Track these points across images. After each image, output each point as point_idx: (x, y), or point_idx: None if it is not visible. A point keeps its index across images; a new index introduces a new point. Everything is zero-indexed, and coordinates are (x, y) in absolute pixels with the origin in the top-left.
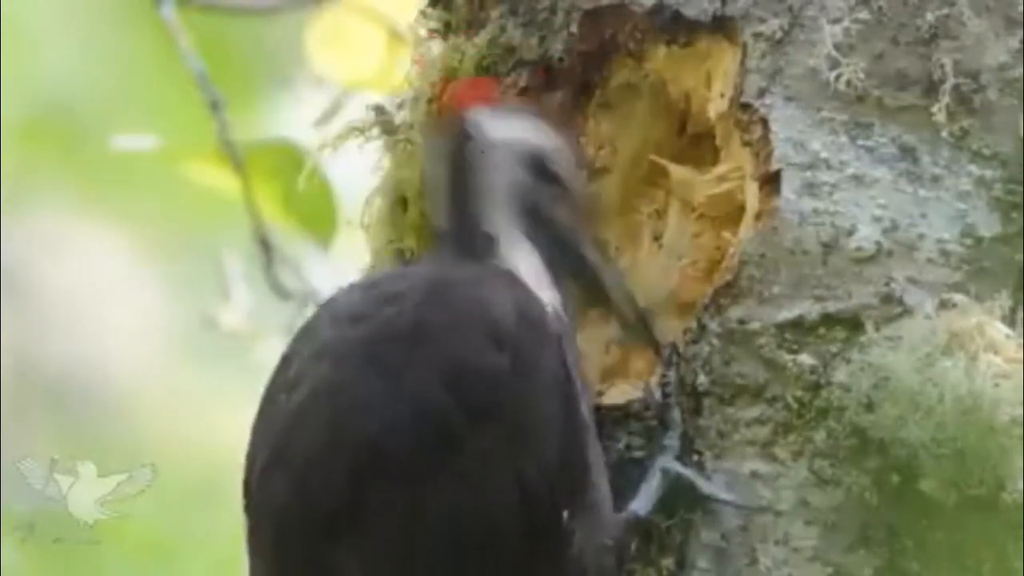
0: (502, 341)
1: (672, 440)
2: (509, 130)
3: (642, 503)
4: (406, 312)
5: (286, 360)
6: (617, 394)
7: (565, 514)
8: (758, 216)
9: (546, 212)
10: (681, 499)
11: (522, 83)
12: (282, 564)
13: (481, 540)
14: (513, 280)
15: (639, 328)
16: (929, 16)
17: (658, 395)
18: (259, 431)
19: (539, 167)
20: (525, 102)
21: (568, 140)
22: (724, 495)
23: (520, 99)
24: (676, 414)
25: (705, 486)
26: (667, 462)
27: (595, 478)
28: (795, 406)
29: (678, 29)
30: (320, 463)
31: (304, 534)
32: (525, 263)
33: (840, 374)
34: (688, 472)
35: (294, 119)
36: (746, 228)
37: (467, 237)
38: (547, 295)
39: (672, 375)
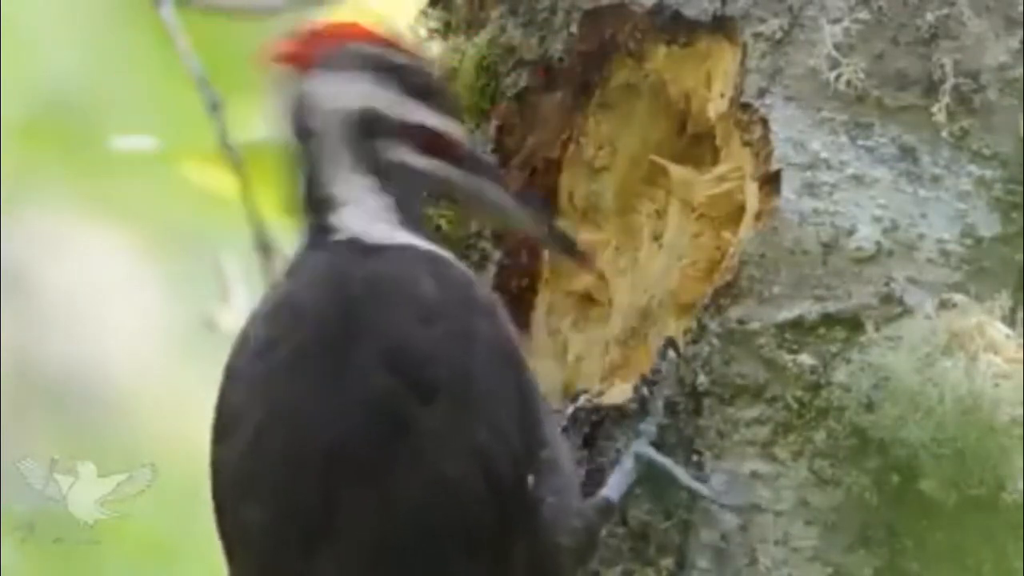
0: (429, 314)
1: (649, 426)
2: (339, 96)
3: (613, 488)
4: (328, 318)
5: (222, 402)
6: (617, 394)
7: (530, 479)
8: (758, 216)
9: (394, 166)
10: (661, 490)
11: (522, 83)
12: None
13: (453, 518)
14: (415, 253)
15: (551, 236)
16: (929, 16)
17: (644, 388)
18: (214, 473)
19: (371, 126)
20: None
21: (410, 49)
22: (702, 489)
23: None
24: (659, 403)
25: (682, 476)
26: (641, 447)
27: (551, 439)
28: (795, 406)
29: (678, 29)
30: (289, 479)
31: (288, 552)
32: (382, 225)
33: (840, 374)
34: (663, 459)
35: None
36: (746, 228)
37: (324, 213)
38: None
39: (664, 367)
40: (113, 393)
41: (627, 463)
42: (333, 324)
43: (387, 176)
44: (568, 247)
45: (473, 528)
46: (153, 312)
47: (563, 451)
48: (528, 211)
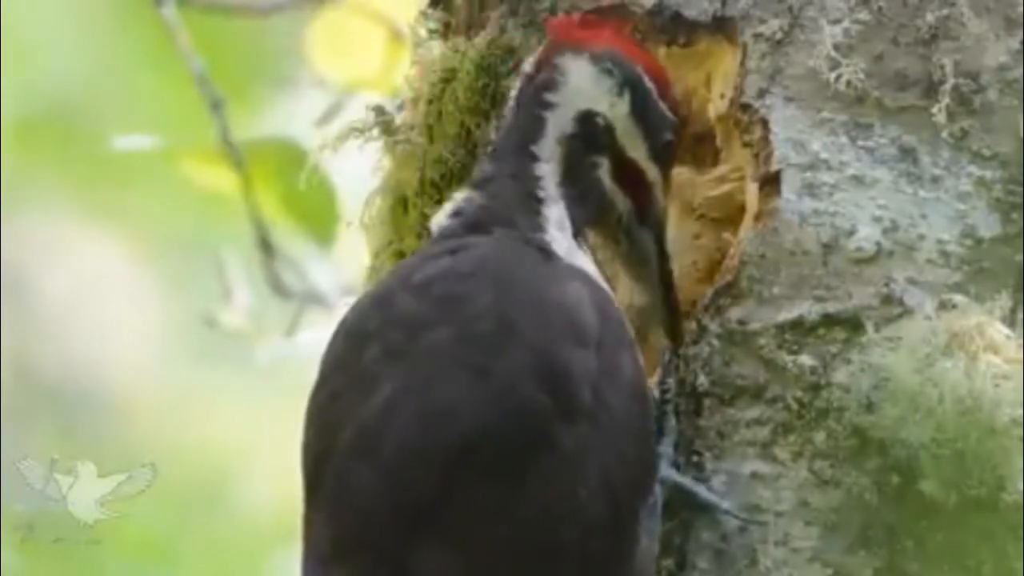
0: (586, 339)
1: (667, 448)
2: (588, 92)
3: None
4: (485, 313)
5: (346, 361)
6: None
7: (641, 513)
8: (758, 217)
9: (593, 184)
10: (679, 505)
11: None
12: (364, 556)
13: (573, 539)
14: (585, 277)
15: (675, 319)
16: (929, 17)
17: (656, 398)
18: (326, 424)
19: (596, 136)
20: (643, 53)
21: (668, 102)
22: (723, 504)
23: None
24: (672, 421)
25: (704, 494)
26: (663, 471)
27: (657, 479)
28: (795, 407)
29: (678, 29)
30: (410, 458)
31: (390, 528)
32: (565, 242)
33: (840, 375)
34: (685, 480)
35: (294, 119)
36: (746, 229)
37: (516, 185)
38: (602, 281)
39: (671, 381)
40: (113, 393)
41: (656, 490)
42: (488, 321)
43: (583, 187)
44: (678, 336)
45: (590, 553)
46: (153, 312)
47: (659, 494)
48: (666, 293)
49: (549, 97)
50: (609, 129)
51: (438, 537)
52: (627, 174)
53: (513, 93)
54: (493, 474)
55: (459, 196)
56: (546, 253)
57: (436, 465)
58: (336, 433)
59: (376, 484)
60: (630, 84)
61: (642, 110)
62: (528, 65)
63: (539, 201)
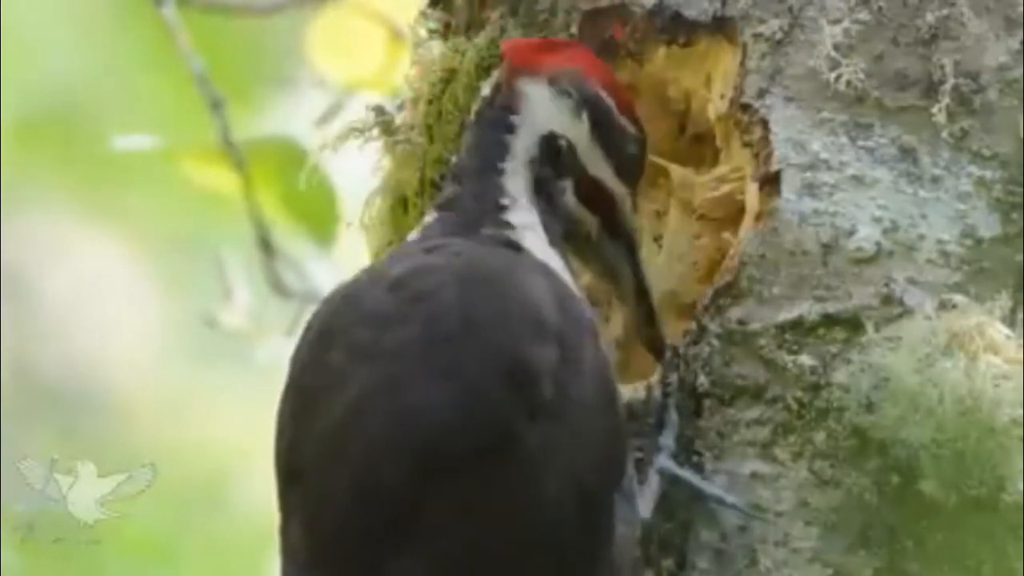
0: (547, 333)
1: (667, 439)
2: (549, 115)
3: (644, 505)
4: (450, 311)
5: (314, 361)
6: None
7: (615, 501)
8: (758, 217)
9: (558, 204)
10: (681, 501)
11: None
12: (340, 562)
13: (544, 536)
14: (547, 271)
15: (652, 331)
16: (929, 17)
17: (658, 395)
18: (295, 428)
19: (558, 158)
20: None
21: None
22: (727, 497)
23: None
24: (673, 415)
25: (707, 487)
26: (664, 462)
27: (630, 465)
28: (795, 407)
29: (678, 29)
30: (379, 461)
31: (363, 533)
32: (538, 242)
33: (840, 375)
34: (686, 473)
35: (294, 119)
36: (746, 229)
37: (481, 198)
38: (566, 277)
39: (674, 377)
40: (113, 393)
41: (653, 479)
42: (452, 318)
43: (551, 207)
44: (657, 349)
45: (563, 547)
46: (153, 312)
47: (635, 478)
48: (642, 305)
49: (511, 120)
50: (571, 150)
51: (410, 540)
52: (593, 192)
53: (472, 117)
54: (460, 474)
55: (427, 218)
56: (515, 247)
57: (404, 467)
58: (306, 434)
59: (346, 488)
60: (589, 104)
61: (603, 128)
62: (486, 88)
63: (506, 209)
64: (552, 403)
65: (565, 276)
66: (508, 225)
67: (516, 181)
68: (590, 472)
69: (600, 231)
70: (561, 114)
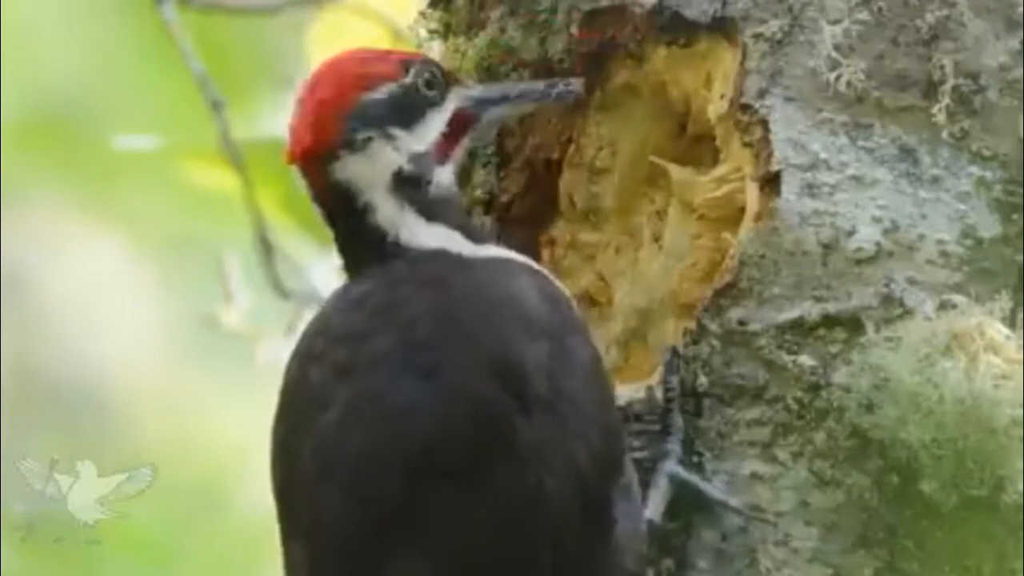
0: (536, 329)
1: (674, 444)
2: (367, 176)
3: (655, 510)
4: (421, 316)
5: (296, 386)
6: (617, 395)
7: (613, 495)
8: (758, 217)
9: (440, 199)
10: (682, 502)
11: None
12: (344, 572)
13: (545, 532)
14: (521, 264)
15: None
16: (929, 17)
17: (659, 396)
18: (286, 450)
19: (408, 181)
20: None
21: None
22: (731, 501)
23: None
24: (678, 419)
25: (712, 491)
26: (671, 467)
27: (627, 461)
28: (795, 407)
29: (678, 29)
30: (369, 469)
31: (363, 543)
32: (454, 240)
33: (840, 375)
34: (693, 477)
35: None
36: (746, 229)
37: (387, 239)
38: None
39: (675, 379)
40: (113, 393)
41: (662, 483)
42: (429, 324)
43: (441, 210)
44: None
45: (563, 543)
46: (153, 312)
47: (634, 474)
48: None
49: (353, 206)
50: (402, 175)
51: (409, 546)
52: (449, 136)
53: (313, 206)
54: (455, 474)
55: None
56: (458, 258)
57: (396, 473)
58: (296, 457)
59: (342, 500)
60: (374, 125)
61: (402, 121)
62: (301, 184)
63: (399, 235)
64: (545, 399)
65: (531, 262)
66: (415, 243)
67: (404, 225)
68: (588, 466)
69: (484, 124)
70: (371, 159)
